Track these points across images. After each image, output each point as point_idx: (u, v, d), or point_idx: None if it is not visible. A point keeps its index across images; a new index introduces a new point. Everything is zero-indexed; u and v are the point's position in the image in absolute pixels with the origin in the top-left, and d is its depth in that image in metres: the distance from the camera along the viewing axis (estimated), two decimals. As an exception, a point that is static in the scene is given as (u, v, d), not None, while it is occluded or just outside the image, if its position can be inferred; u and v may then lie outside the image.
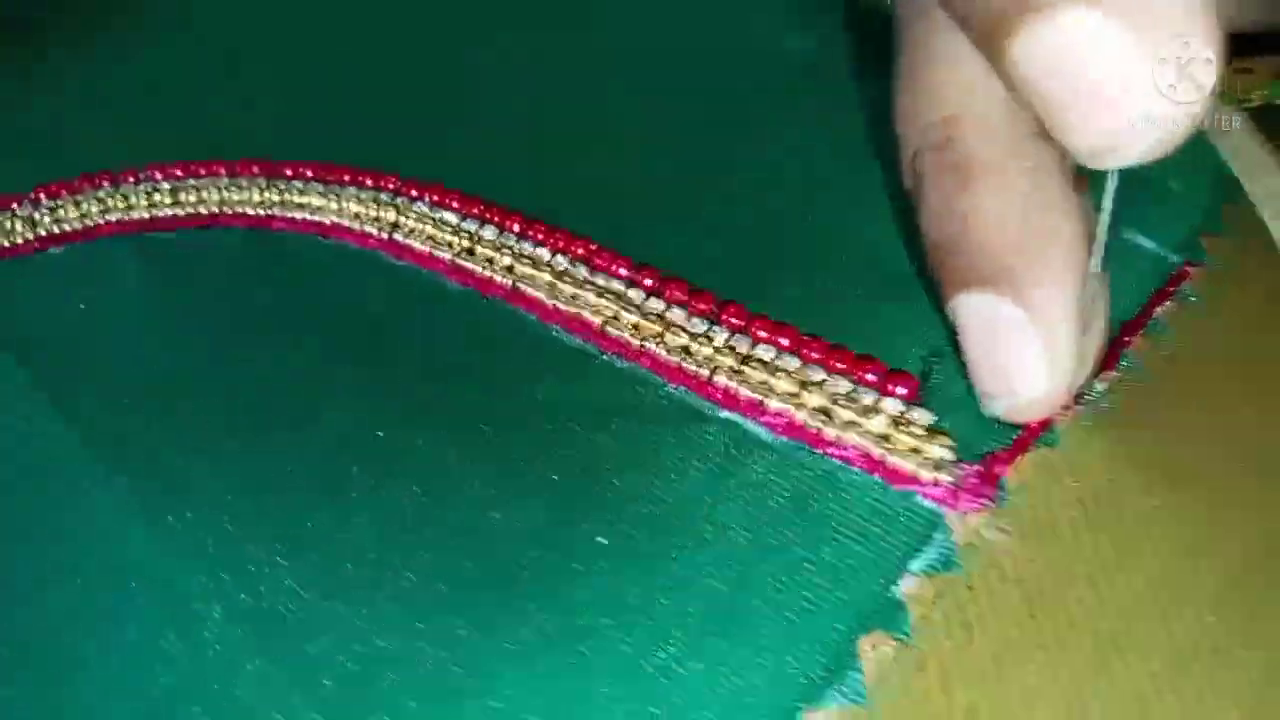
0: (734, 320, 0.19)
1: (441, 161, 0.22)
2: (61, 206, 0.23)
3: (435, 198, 0.22)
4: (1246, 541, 0.15)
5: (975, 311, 0.16)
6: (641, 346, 0.18)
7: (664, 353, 0.18)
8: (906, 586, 0.15)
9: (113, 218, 0.22)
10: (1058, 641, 0.14)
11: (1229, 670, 0.14)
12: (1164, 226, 0.20)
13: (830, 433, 0.17)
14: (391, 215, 0.21)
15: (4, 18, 0.28)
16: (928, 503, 0.16)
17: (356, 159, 0.22)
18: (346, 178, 0.22)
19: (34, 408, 0.19)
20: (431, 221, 0.21)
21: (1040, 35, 0.13)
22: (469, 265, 0.20)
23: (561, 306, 0.19)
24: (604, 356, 0.19)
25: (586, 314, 0.19)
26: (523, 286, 0.20)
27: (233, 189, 0.22)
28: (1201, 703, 0.14)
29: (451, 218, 0.21)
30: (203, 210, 0.22)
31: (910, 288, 0.19)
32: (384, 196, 0.22)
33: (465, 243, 0.21)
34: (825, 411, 0.17)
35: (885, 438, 0.16)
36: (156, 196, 0.23)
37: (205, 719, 0.15)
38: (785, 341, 0.18)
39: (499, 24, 0.26)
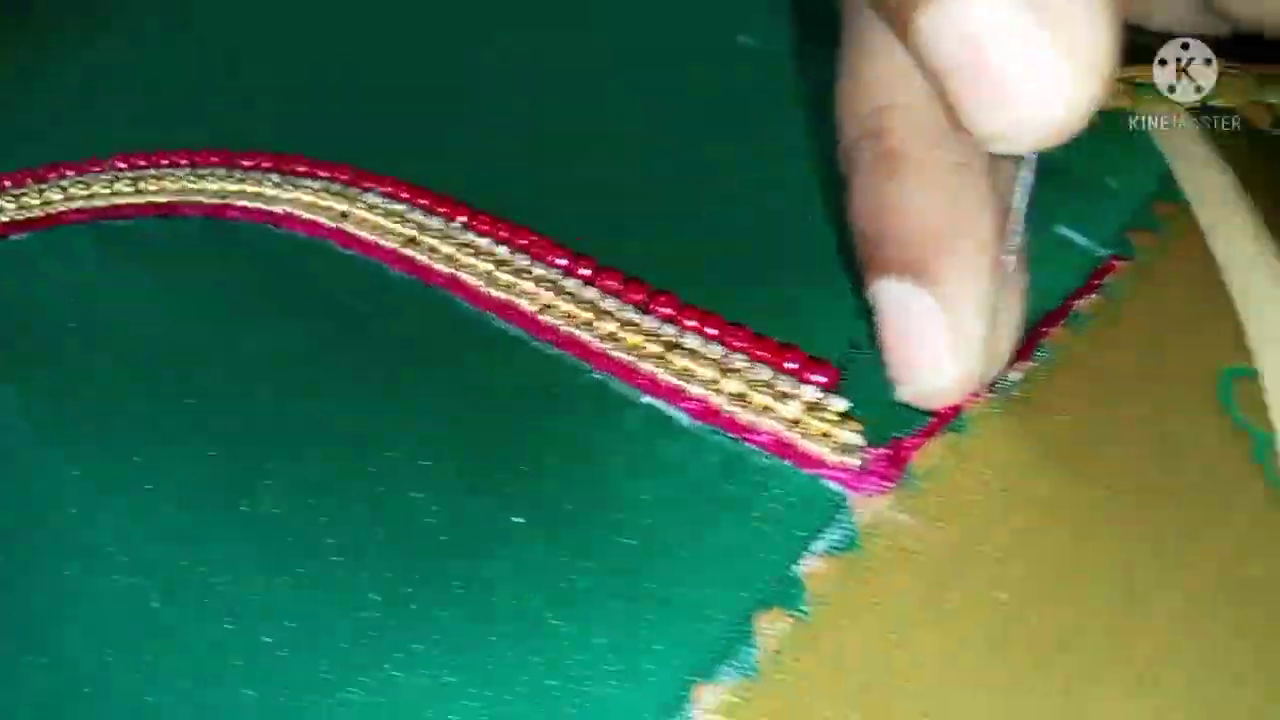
0: (664, 309, 0.19)
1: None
2: (26, 194, 0.23)
3: (385, 189, 0.22)
4: (1141, 527, 0.15)
5: (891, 298, 0.16)
6: (571, 333, 0.19)
7: (592, 339, 0.19)
8: (807, 565, 0.15)
9: (75, 205, 0.23)
10: (954, 621, 0.15)
11: (1121, 651, 0.15)
12: (1097, 222, 0.20)
13: (745, 418, 0.17)
14: (343, 205, 0.22)
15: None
16: (835, 486, 0.16)
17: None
18: (302, 168, 0.23)
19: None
20: (380, 211, 0.22)
21: (947, 7, 0.13)
22: (411, 254, 0.21)
23: (496, 294, 0.20)
24: (535, 343, 0.19)
25: (521, 301, 0.20)
26: (462, 275, 0.20)
27: (193, 178, 0.23)
28: (1094, 682, 0.14)
29: (399, 208, 0.22)
30: (162, 199, 0.23)
31: (838, 277, 0.19)
32: (335, 187, 0.22)
33: (410, 232, 0.21)
34: (742, 397, 0.17)
35: (797, 423, 0.17)
36: (118, 185, 0.23)
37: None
38: (712, 330, 0.19)
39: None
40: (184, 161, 0.24)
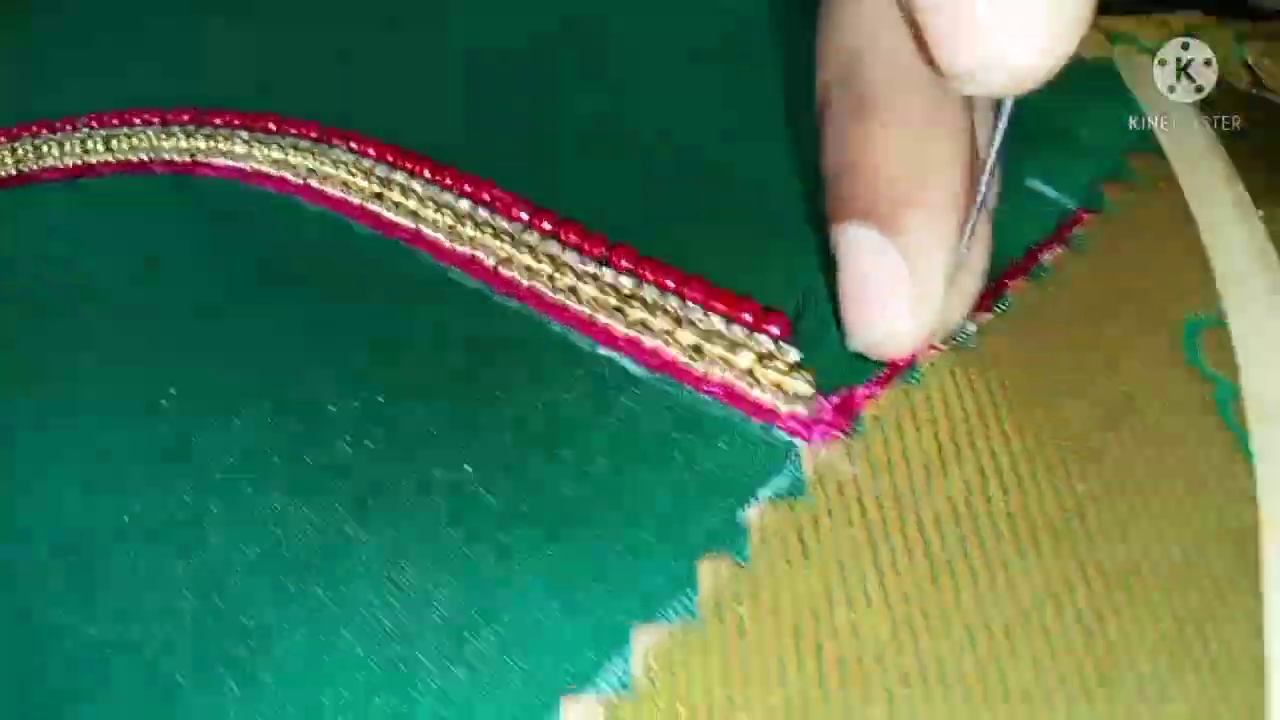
0: (623, 262, 0.19)
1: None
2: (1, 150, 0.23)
3: (352, 144, 0.22)
4: (1087, 481, 0.15)
5: (852, 242, 0.16)
6: (530, 286, 0.19)
7: (551, 292, 0.19)
8: (752, 512, 0.15)
9: (48, 164, 0.23)
10: (893, 569, 0.15)
11: (1064, 595, 0.14)
12: (1067, 174, 0.20)
13: (699, 368, 0.17)
14: (310, 161, 0.22)
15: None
16: (785, 435, 0.16)
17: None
18: (272, 125, 0.23)
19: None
20: (345, 166, 0.22)
21: None
22: (376, 209, 0.21)
23: (459, 248, 0.20)
24: (496, 296, 0.19)
25: (482, 255, 0.19)
26: (425, 230, 0.20)
27: (163, 136, 0.23)
28: (1030, 630, 0.14)
29: (365, 163, 0.22)
30: (133, 158, 0.23)
31: (801, 229, 0.19)
32: (303, 144, 0.22)
33: (375, 187, 0.21)
34: (697, 348, 0.17)
35: (750, 373, 0.17)
36: (90, 144, 0.23)
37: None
38: (670, 282, 0.18)
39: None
40: (155, 119, 0.24)
